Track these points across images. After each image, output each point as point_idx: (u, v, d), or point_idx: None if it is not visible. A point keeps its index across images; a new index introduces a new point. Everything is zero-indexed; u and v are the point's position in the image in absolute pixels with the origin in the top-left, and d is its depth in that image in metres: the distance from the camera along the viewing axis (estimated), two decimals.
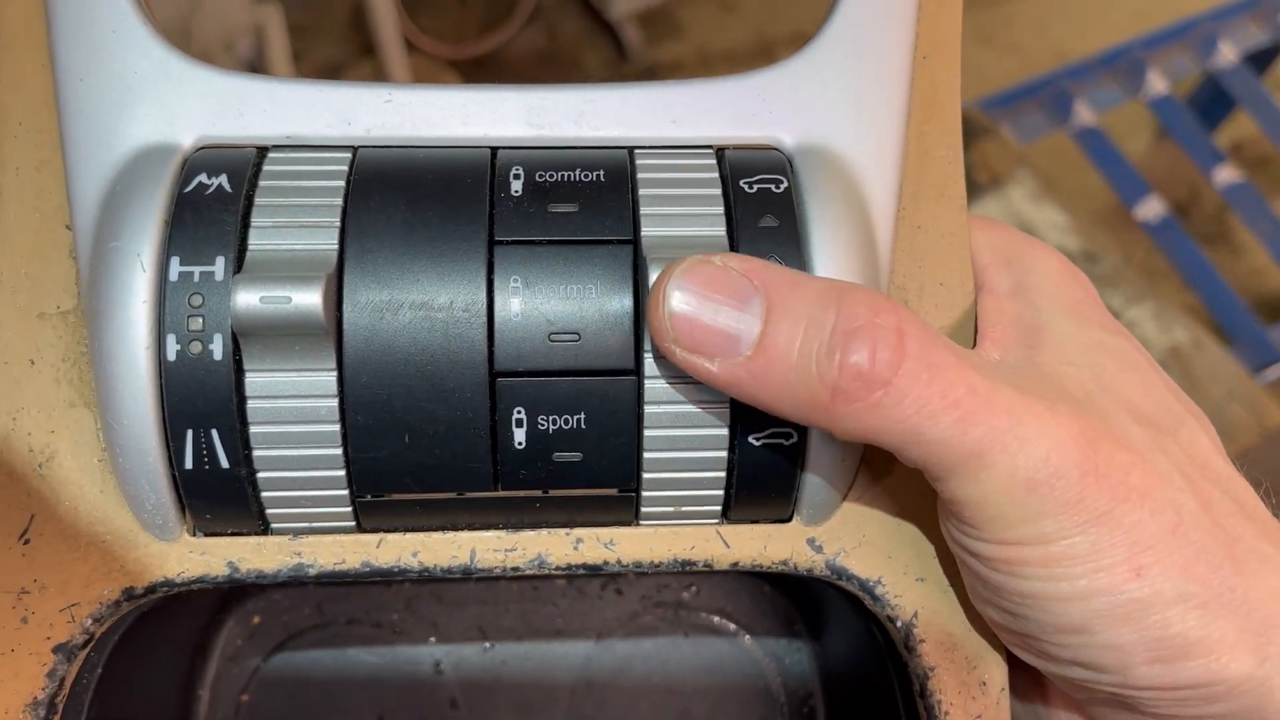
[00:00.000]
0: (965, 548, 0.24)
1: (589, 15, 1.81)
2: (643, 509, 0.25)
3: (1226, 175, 1.31)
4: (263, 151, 0.25)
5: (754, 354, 0.22)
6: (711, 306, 0.22)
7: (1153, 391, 0.25)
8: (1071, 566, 0.22)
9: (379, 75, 1.59)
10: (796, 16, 1.82)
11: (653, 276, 0.23)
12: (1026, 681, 0.28)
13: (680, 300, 0.22)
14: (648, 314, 0.22)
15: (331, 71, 1.68)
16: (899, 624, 0.26)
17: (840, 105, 0.26)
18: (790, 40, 1.80)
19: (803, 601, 0.37)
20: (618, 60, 1.79)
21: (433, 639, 0.37)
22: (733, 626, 0.38)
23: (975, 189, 1.15)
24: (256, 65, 1.32)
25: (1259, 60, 1.40)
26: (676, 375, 0.24)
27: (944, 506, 0.24)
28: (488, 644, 0.38)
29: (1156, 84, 1.34)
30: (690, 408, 0.24)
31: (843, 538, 0.26)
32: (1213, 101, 1.42)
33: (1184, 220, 1.45)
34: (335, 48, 1.75)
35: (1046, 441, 0.21)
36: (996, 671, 0.26)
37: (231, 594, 0.37)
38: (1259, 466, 0.26)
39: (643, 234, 0.24)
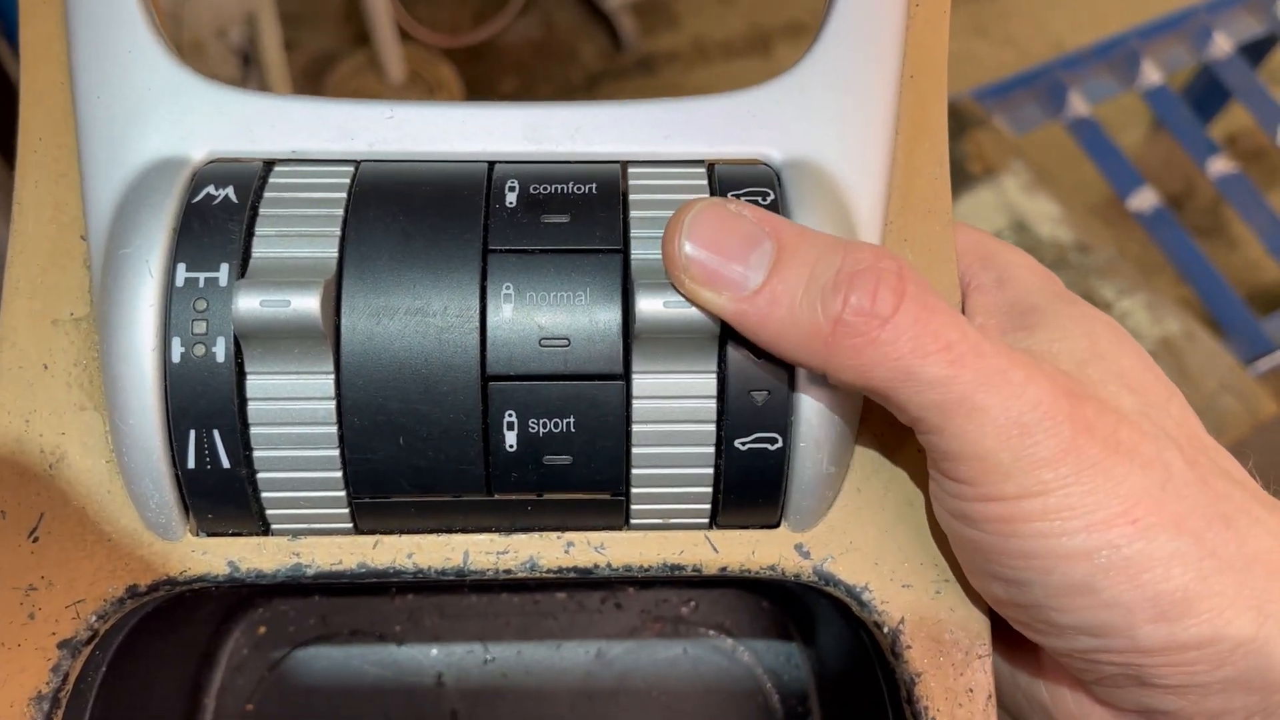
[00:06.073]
0: (963, 516, 0.23)
1: (584, 5, 1.81)
2: (632, 513, 0.26)
3: (1221, 167, 1.31)
4: (269, 165, 0.26)
5: (761, 288, 0.22)
6: (725, 244, 0.23)
7: (1145, 361, 0.25)
8: (1070, 520, 0.22)
9: (373, 64, 1.59)
10: (792, 8, 1.81)
11: (640, 285, 0.23)
12: (1030, 662, 0.28)
13: (695, 235, 0.23)
14: (663, 243, 0.23)
15: (325, 60, 1.68)
16: (886, 630, 0.26)
17: (827, 122, 0.27)
18: (786, 31, 1.79)
19: (800, 616, 0.37)
20: (613, 51, 1.78)
21: (435, 651, 0.38)
22: (731, 641, 0.38)
23: (969, 180, 1.14)
24: (249, 53, 1.31)
25: (1254, 51, 1.40)
26: (664, 381, 0.24)
27: (937, 479, 0.24)
28: (489, 656, 0.38)
29: (1151, 75, 1.34)
30: (677, 413, 0.24)
31: (830, 544, 0.26)
32: (1207, 93, 1.42)
33: (1178, 212, 1.45)
34: (329, 36, 1.74)
35: (1035, 389, 0.22)
36: (983, 678, 0.26)
37: (238, 604, 0.37)
38: (1251, 458, 0.26)
39: (632, 244, 0.24)
